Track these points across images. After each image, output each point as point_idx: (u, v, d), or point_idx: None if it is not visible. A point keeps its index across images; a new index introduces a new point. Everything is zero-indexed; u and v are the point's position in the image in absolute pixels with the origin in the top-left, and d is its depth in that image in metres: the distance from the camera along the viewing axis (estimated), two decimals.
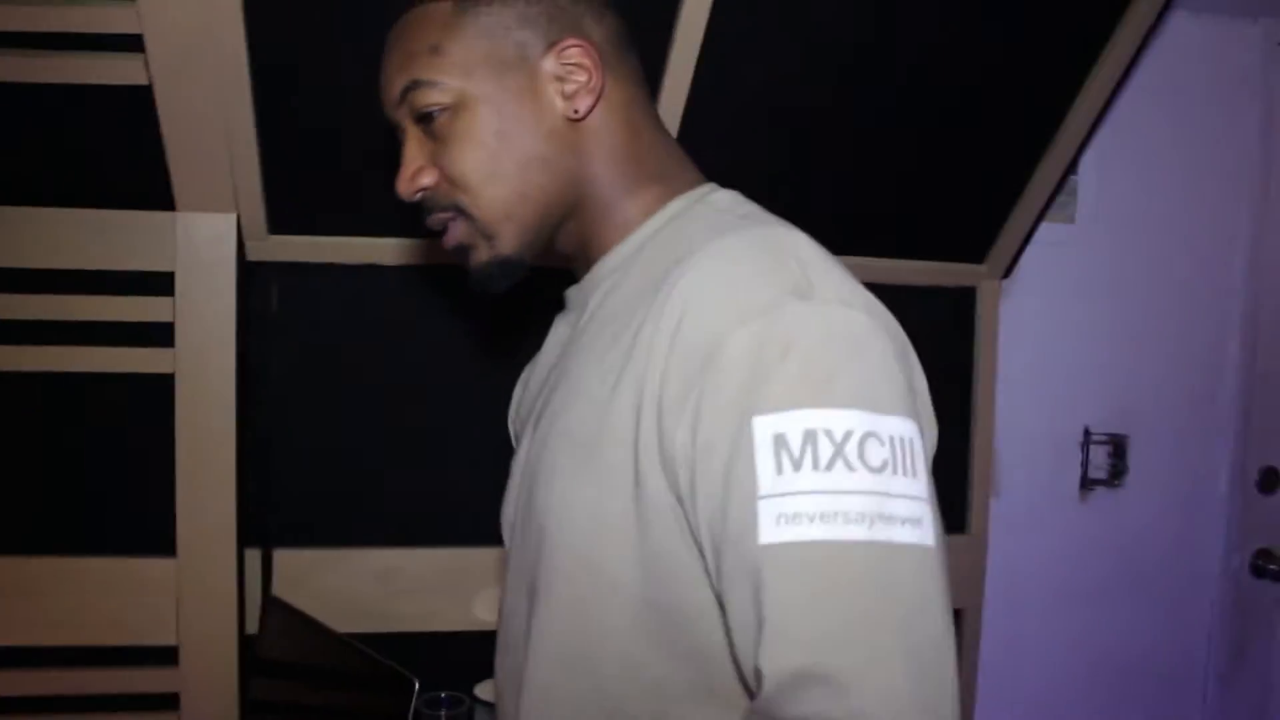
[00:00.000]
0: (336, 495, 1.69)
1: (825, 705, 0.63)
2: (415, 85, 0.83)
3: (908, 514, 0.67)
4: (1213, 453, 2.23)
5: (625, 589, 0.76)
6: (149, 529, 1.56)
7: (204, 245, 1.53)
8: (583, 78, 0.83)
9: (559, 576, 0.80)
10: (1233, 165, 2.19)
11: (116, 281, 1.53)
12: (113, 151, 1.46)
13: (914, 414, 0.72)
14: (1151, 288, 2.16)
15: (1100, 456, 2.11)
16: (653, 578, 0.76)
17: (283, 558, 1.65)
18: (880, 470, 0.67)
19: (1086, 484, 2.13)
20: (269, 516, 1.65)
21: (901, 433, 0.69)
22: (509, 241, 0.86)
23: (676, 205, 0.87)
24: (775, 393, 0.68)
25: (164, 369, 1.54)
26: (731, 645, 0.72)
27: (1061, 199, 1.90)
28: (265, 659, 1.53)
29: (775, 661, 0.65)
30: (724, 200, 0.87)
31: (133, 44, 1.32)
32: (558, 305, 0.99)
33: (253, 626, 1.62)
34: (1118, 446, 2.11)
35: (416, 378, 1.70)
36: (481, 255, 0.87)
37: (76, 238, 1.52)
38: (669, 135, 0.92)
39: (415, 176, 0.86)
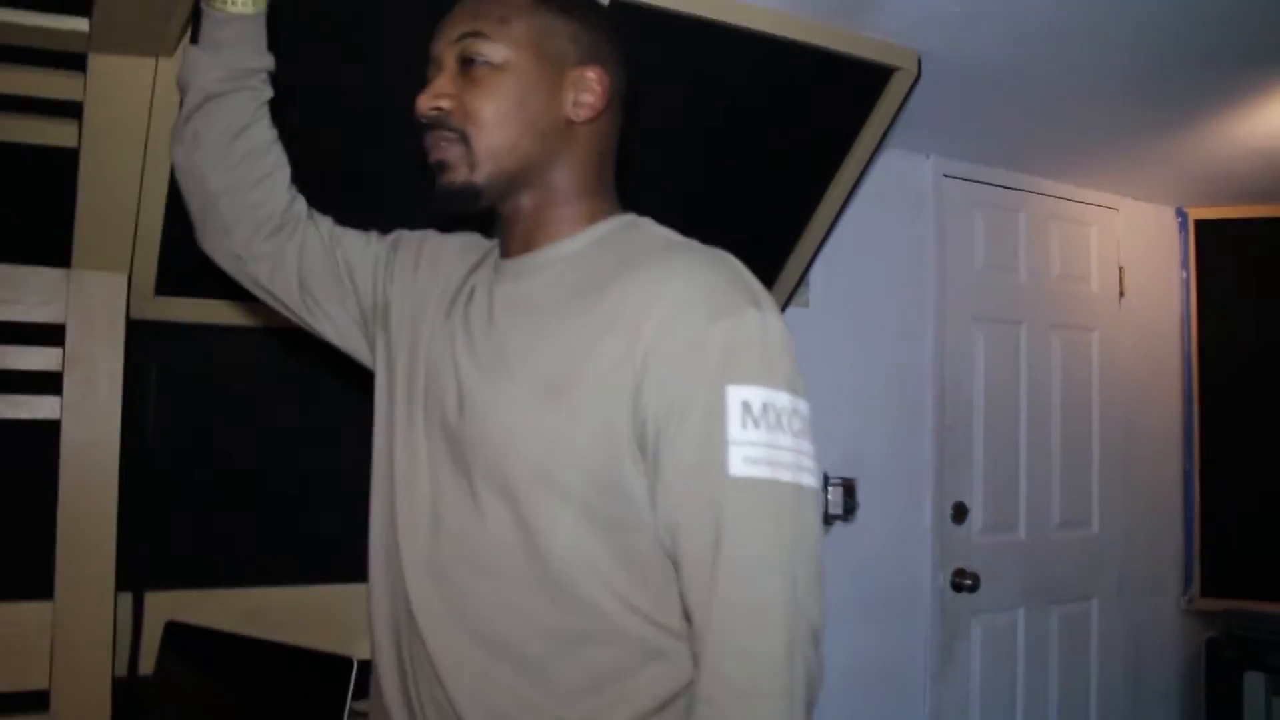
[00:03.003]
0: (203, 538, 1.80)
1: (753, 594, 0.95)
2: (477, 35, 1.07)
3: (810, 467, 1.00)
4: (918, 491, 2.74)
5: (576, 499, 1.00)
6: (25, 573, 1.60)
7: (95, 302, 1.64)
8: (590, 99, 1.10)
9: (512, 482, 1.02)
10: (918, 265, 2.78)
11: (7, 332, 1.60)
12: (19, 208, 1.56)
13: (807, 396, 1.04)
14: (867, 359, 2.67)
15: (837, 496, 2.55)
16: (601, 493, 1.01)
17: (152, 600, 1.74)
18: (798, 435, 0.99)
19: (828, 519, 2.57)
20: (140, 560, 1.73)
21: (806, 410, 1.01)
22: (485, 175, 1.07)
23: (619, 221, 1.13)
24: (743, 372, 0.97)
25: (50, 416, 1.62)
26: (678, 547, 0.99)
27: (798, 289, 2.39)
28: (169, 685, 1.59)
29: (731, 562, 0.95)
30: (652, 225, 1.15)
31: (66, 109, 1.46)
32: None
33: (122, 669, 1.69)
34: (849, 488, 2.56)
35: (281, 430, 1.86)
36: (458, 176, 1.08)
37: None
38: (613, 172, 1.19)
39: (438, 98, 1.07)
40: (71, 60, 1.40)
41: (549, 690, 1.03)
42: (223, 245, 1.29)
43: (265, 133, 1.28)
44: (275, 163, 1.29)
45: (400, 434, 1.17)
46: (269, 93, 1.27)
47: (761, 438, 0.96)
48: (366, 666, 1.61)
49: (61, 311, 1.63)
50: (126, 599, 1.72)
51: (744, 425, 0.96)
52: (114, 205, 1.56)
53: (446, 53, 1.10)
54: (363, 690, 1.56)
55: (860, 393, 2.66)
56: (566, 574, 1.02)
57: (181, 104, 1.26)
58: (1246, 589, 3.20)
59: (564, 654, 1.03)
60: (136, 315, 1.72)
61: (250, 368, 1.84)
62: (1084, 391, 3.11)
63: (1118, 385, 3.18)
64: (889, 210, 2.71)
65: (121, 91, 1.43)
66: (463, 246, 1.28)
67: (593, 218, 1.13)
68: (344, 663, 1.38)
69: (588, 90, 1.10)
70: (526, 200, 1.12)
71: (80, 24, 1.32)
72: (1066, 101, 2.39)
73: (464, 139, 1.07)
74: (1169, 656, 3.29)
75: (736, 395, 0.96)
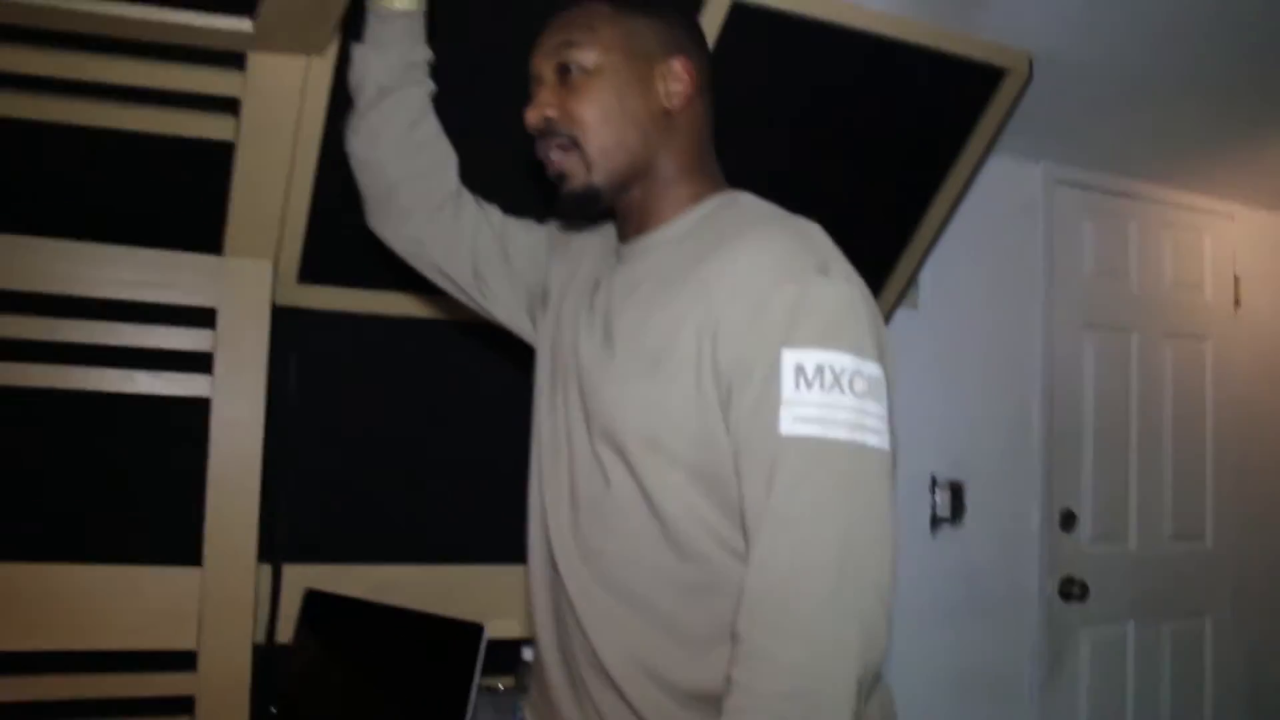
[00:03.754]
0: (337, 516, 1.89)
1: (797, 542, 0.99)
2: (570, 44, 1.16)
3: (875, 427, 1.03)
4: (1026, 496, 2.72)
5: (682, 460, 1.08)
6: (175, 540, 1.70)
7: (244, 287, 1.75)
8: (680, 87, 1.18)
9: (627, 450, 1.10)
10: (1027, 271, 2.77)
11: (165, 313, 1.71)
12: (177, 198, 1.66)
13: (882, 361, 1.07)
14: (976, 362, 2.67)
15: (945, 499, 2.56)
16: (701, 452, 1.07)
17: (289, 572, 1.83)
18: (861, 396, 1.02)
19: (935, 522, 2.57)
20: (279, 534, 1.82)
21: (875, 373, 1.05)
22: (600, 174, 1.17)
23: (719, 200, 1.20)
24: (800, 336, 1.02)
25: (201, 394, 1.73)
26: (741, 497, 1.04)
27: (908, 291, 2.41)
28: (304, 654, 1.68)
29: (777, 511, 1.00)
30: (751, 200, 1.21)
31: (224, 105, 1.56)
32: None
33: (260, 636, 1.78)
34: (956, 490, 2.57)
35: (413, 415, 1.95)
36: (577, 181, 1.17)
37: (131, 273, 1.69)
38: (714, 152, 1.25)
39: (544, 108, 1.17)
40: (229, 58, 1.50)
41: (681, 638, 1.09)
42: (402, 231, 1.39)
43: (434, 122, 1.38)
44: (446, 150, 1.39)
45: (545, 411, 1.26)
46: (432, 84, 1.37)
47: (815, 398, 1.00)
48: (502, 642, 1.68)
49: (213, 296, 1.73)
50: (266, 570, 1.81)
51: (797, 387, 1.01)
52: (264, 196, 1.66)
53: (544, 66, 1.20)
54: (494, 664, 1.64)
55: (969, 396, 2.66)
56: (682, 530, 1.09)
57: (355, 101, 1.36)
58: None
59: (691, 604, 1.09)
60: (280, 302, 1.82)
61: (385, 354, 1.93)
62: (1197, 402, 3.05)
63: (1233, 396, 3.11)
64: (999, 215, 2.71)
65: (277, 88, 1.53)
66: (599, 236, 1.35)
67: (696, 198, 1.20)
68: (475, 629, 1.44)
69: (677, 79, 1.18)
70: (637, 191, 1.20)
71: (243, 24, 1.41)
72: (1181, 106, 2.37)
73: (575, 143, 1.16)
74: None
75: (791, 358, 1.02)
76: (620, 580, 1.12)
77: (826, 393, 1.00)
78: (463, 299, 1.44)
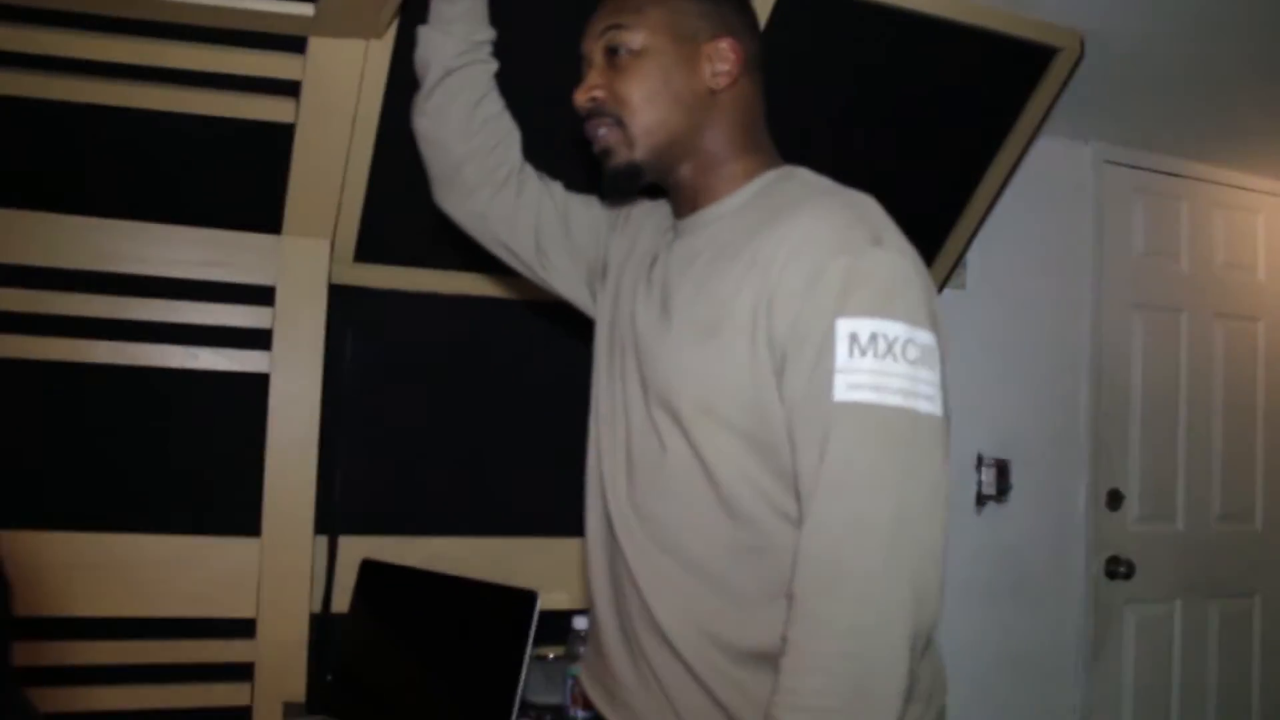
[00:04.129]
0: (393, 490, 1.93)
1: (852, 506, 1.00)
2: (618, 26, 1.19)
3: (928, 394, 1.04)
4: (1073, 476, 2.72)
5: (736, 426, 1.10)
6: (236, 511, 1.76)
7: (302, 266, 1.79)
8: (726, 67, 1.19)
9: (682, 417, 1.13)
10: (1076, 251, 2.75)
11: (225, 291, 1.77)
12: (238, 179, 1.70)
13: (936, 330, 1.08)
14: (1023, 342, 2.67)
15: (990, 477, 2.56)
16: (755, 419, 1.09)
17: (344, 544, 1.87)
18: (914, 363, 1.03)
19: (980, 500, 2.58)
20: (335, 506, 1.87)
21: (928, 341, 1.05)
22: (643, 151, 1.19)
23: (773, 174, 1.21)
24: (854, 305, 1.03)
25: (260, 369, 1.78)
26: (795, 464, 1.06)
27: (955, 271, 2.41)
28: (360, 623, 1.73)
29: (830, 475, 1.01)
30: (807, 174, 1.22)
31: (285, 88, 1.58)
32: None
33: (316, 606, 1.84)
34: (1002, 469, 2.57)
35: (464, 391, 1.99)
36: (620, 158, 1.20)
37: (193, 252, 1.75)
38: (767, 129, 1.26)
39: (591, 90, 1.20)
40: (290, 42, 1.54)
41: (733, 599, 1.12)
42: (466, 206, 1.42)
43: (498, 100, 1.41)
44: (509, 126, 1.42)
45: (603, 381, 1.30)
46: (496, 63, 1.40)
47: (868, 365, 1.02)
48: (553, 613, 1.71)
49: (271, 274, 1.78)
50: (323, 542, 1.85)
51: (851, 355, 1.02)
52: (322, 177, 1.70)
53: (593, 48, 1.22)
54: (544, 634, 1.67)
55: (1016, 375, 2.66)
56: (734, 494, 1.11)
57: (421, 80, 1.39)
58: None
59: (743, 565, 1.12)
60: (336, 280, 1.85)
61: (439, 331, 1.96)
62: (1248, 383, 3.01)
63: None
64: (1048, 195, 2.70)
65: (336, 71, 1.56)
66: (656, 213, 1.38)
67: (750, 175, 1.21)
68: (528, 597, 1.47)
69: (722, 59, 1.19)
70: (686, 169, 1.22)
71: (305, 9, 1.45)
72: (1235, 86, 2.33)
73: (619, 122, 1.19)
74: None
75: (846, 327, 1.03)
76: (675, 542, 1.15)
77: (880, 360, 1.01)
78: (524, 272, 1.47)
